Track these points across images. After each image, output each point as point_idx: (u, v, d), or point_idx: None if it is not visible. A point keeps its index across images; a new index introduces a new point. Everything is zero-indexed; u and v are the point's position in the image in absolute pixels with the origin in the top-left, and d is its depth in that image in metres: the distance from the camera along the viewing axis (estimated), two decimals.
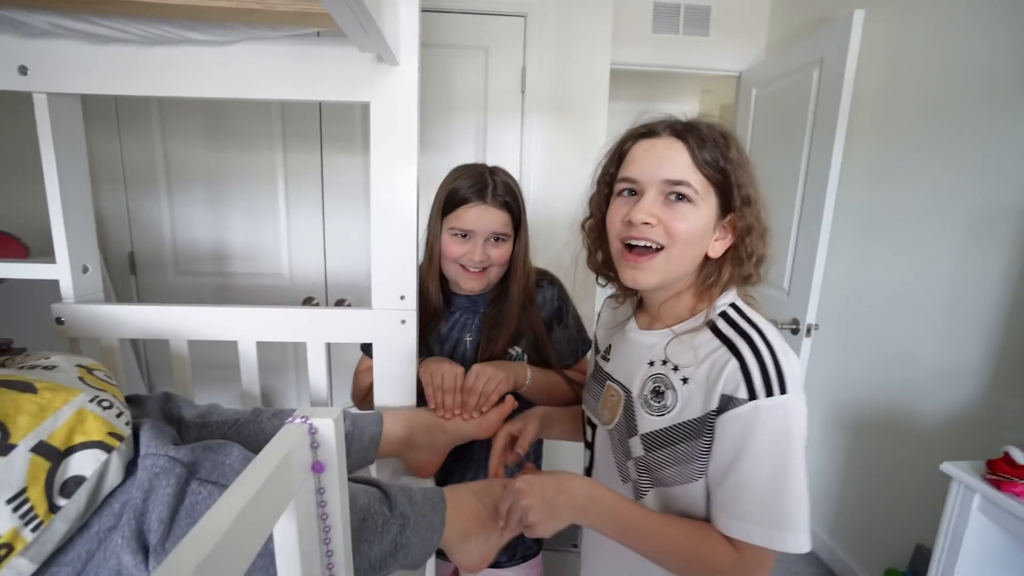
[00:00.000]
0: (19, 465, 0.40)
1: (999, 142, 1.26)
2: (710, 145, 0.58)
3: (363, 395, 0.92)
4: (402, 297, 0.72)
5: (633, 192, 0.61)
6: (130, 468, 0.46)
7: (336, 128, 1.76)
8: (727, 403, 0.55)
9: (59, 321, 0.73)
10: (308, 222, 1.82)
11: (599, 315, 0.85)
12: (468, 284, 0.86)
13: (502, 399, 0.79)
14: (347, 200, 1.81)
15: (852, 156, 1.69)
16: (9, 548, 0.39)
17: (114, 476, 0.44)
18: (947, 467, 1.03)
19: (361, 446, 0.68)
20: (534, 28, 1.77)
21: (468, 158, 1.91)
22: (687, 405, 0.59)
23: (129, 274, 1.79)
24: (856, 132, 1.68)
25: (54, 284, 0.76)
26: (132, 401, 0.60)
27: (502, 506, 0.59)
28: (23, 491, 0.40)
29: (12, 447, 0.40)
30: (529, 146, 1.83)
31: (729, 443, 0.55)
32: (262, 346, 0.78)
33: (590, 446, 0.76)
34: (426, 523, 0.54)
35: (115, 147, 1.70)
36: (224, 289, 1.83)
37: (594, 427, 0.74)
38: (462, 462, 0.92)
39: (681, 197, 0.58)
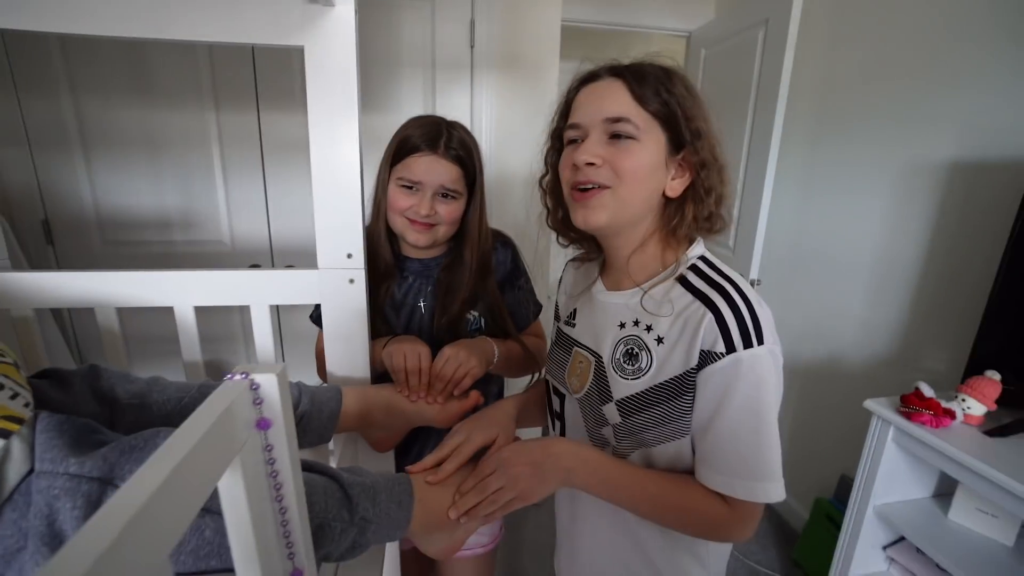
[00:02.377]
0: None
1: (932, 100, 1.33)
2: (651, 80, 0.57)
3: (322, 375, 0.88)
4: (349, 255, 0.69)
5: (577, 140, 0.60)
6: (25, 483, 0.39)
7: (272, 83, 1.64)
8: (706, 358, 0.54)
9: None
10: (248, 185, 1.71)
11: (560, 280, 0.82)
12: (413, 237, 0.82)
13: (466, 392, 0.77)
14: (289, 162, 1.71)
15: (794, 115, 1.76)
16: None
17: (18, 463, 0.39)
18: (869, 403, 1.13)
19: (320, 423, 0.66)
20: None
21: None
22: (663, 365, 0.57)
23: (45, 244, 1.63)
24: (798, 91, 1.74)
25: None
26: (53, 377, 0.55)
27: (481, 473, 0.57)
28: None
29: None
30: (480, 104, 1.78)
31: (710, 398, 0.54)
32: (207, 316, 0.73)
33: (559, 416, 0.73)
34: (389, 521, 0.51)
35: (12, 104, 1.51)
36: (161, 259, 1.71)
37: (561, 396, 0.72)
38: (422, 432, 0.90)
39: (621, 136, 0.56)
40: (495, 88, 1.78)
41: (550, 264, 1.91)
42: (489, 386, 0.96)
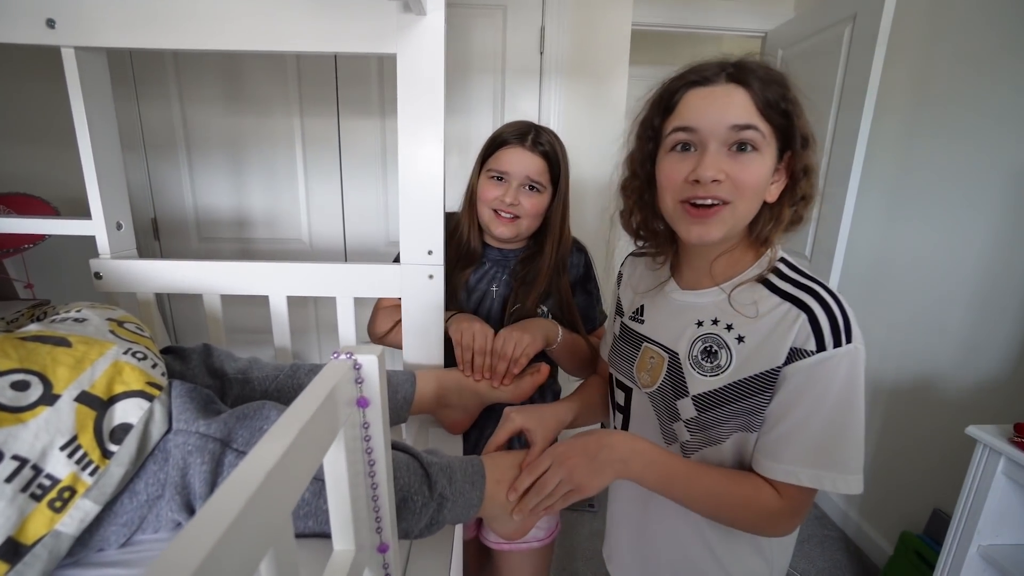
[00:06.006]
0: (66, 414, 0.41)
1: None
2: (772, 87, 0.54)
3: (382, 335, 0.90)
4: (429, 252, 0.72)
5: (689, 146, 0.57)
6: (163, 440, 0.46)
7: (353, 91, 1.74)
8: (794, 355, 0.54)
9: (97, 276, 0.75)
10: (327, 188, 1.82)
11: (620, 273, 0.81)
12: (498, 230, 0.87)
13: (535, 364, 0.79)
14: (364, 165, 1.80)
15: (883, 116, 1.63)
16: (72, 491, 0.41)
17: (159, 424, 0.46)
18: (972, 430, 1.02)
19: (395, 405, 0.69)
20: None
21: (486, 121, 1.88)
22: (744, 363, 0.57)
23: (153, 239, 1.82)
24: (889, 91, 1.61)
25: (85, 245, 0.78)
26: (174, 352, 0.62)
27: (536, 470, 0.58)
28: (74, 439, 0.41)
29: (57, 397, 0.41)
30: (548, 109, 1.79)
31: (790, 391, 0.55)
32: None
33: (622, 409, 0.74)
34: (464, 500, 0.54)
35: (133, 112, 1.70)
36: (245, 255, 1.86)
37: (627, 390, 0.73)
38: (493, 417, 0.93)
39: (745, 147, 0.55)
40: (564, 94, 1.78)
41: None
42: (551, 382, 0.97)
